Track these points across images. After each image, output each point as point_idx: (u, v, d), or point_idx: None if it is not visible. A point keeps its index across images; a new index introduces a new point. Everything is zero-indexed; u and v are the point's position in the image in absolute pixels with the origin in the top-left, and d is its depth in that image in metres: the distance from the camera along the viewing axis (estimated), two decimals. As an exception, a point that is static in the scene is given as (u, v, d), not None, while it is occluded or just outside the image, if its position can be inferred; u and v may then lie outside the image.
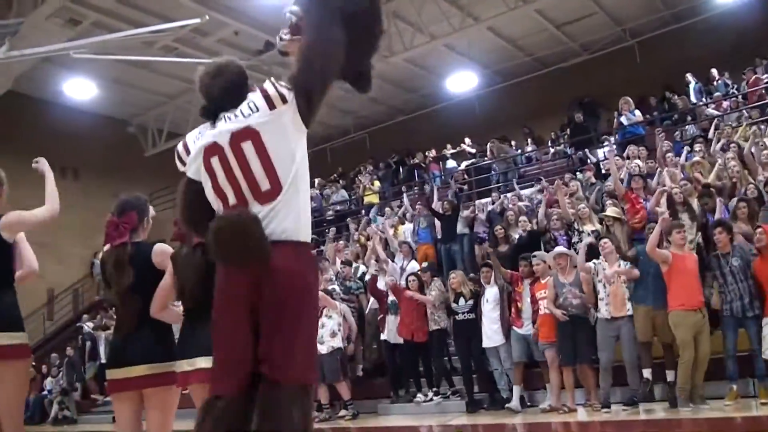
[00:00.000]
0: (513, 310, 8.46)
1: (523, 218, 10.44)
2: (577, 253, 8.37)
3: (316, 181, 18.46)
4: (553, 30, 18.01)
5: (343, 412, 9.54)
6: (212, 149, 2.64)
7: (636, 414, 7.30)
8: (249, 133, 2.59)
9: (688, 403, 6.86)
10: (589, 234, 9.25)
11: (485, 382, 8.94)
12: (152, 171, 20.75)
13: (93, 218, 19.06)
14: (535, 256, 8.38)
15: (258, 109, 2.61)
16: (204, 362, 3.46)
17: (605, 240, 7.91)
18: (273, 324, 2.52)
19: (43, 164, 4.41)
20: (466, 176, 16.79)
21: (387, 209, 14.92)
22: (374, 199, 17.07)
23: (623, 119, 13.27)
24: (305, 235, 2.64)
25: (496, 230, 10.51)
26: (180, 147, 2.86)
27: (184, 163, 2.83)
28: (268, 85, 2.64)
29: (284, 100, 2.61)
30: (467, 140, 18.76)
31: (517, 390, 8.26)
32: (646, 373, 7.37)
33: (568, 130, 16.24)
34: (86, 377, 14.07)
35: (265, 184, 2.57)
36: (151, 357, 3.66)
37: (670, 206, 8.54)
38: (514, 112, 19.48)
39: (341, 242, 13.64)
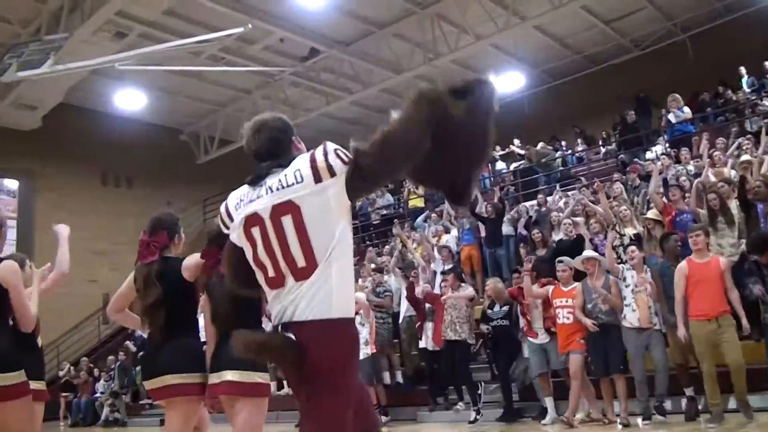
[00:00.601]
0: (525, 322, 8.23)
1: (567, 221, 10.11)
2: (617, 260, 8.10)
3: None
4: (601, 26, 17.58)
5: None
6: (253, 219, 2.58)
7: (680, 425, 6.98)
8: (290, 207, 2.51)
9: (719, 419, 6.49)
10: (631, 238, 9.01)
11: (521, 391, 8.76)
12: (205, 178, 21.18)
13: (146, 225, 19.54)
14: (561, 261, 8.00)
15: (302, 180, 2.51)
16: (230, 375, 3.69)
17: (633, 248, 7.60)
18: (303, 406, 2.55)
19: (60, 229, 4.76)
20: (513, 178, 16.58)
21: (433, 215, 14.79)
22: (419, 202, 16.96)
23: (671, 117, 12.86)
24: (339, 311, 2.50)
25: (534, 234, 10.26)
26: (222, 210, 2.75)
27: (227, 227, 2.74)
28: (318, 154, 2.51)
29: (332, 173, 2.49)
30: (516, 141, 18.45)
31: (549, 402, 8.00)
32: (689, 391, 7.06)
33: (619, 129, 15.82)
34: (136, 381, 14.34)
35: (300, 261, 2.49)
36: (180, 367, 3.79)
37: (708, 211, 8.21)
38: (565, 112, 19.12)
39: (384, 250, 13.62)
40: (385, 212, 17.54)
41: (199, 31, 14.99)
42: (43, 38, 11.35)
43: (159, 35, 15.12)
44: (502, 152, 18.57)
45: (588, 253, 7.96)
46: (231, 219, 2.68)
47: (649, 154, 13.68)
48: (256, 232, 2.57)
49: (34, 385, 4.49)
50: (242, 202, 2.64)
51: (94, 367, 15.32)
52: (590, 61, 19.14)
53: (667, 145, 13.01)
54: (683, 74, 16.53)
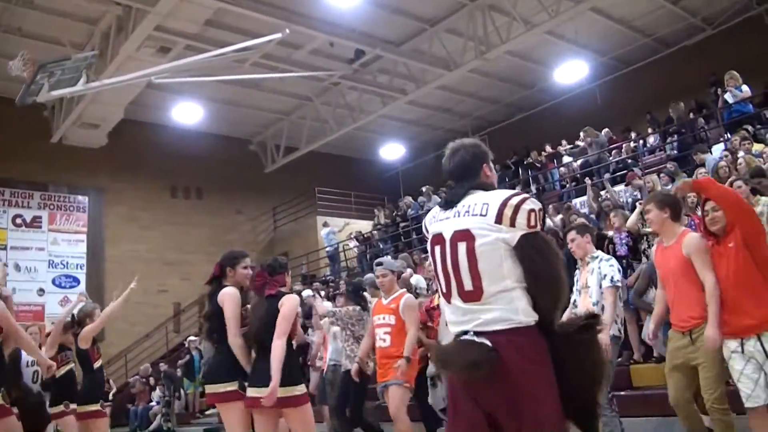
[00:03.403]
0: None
1: (581, 220, 9.22)
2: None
3: (424, 188, 17.98)
4: (669, 6, 16.29)
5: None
6: (438, 239, 2.88)
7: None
8: (466, 236, 2.76)
9: None
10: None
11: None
12: (274, 186, 21.45)
13: (217, 235, 19.98)
14: (380, 264, 6.40)
15: (486, 215, 2.75)
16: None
17: (572, 233, 5.66)
18: (505, 412, 2.71)
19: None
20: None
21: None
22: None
23: (728, 96, 11.63)
24: (524, 318, 2.73)
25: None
26: (423, 227, 3.09)
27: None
28: (512, 201, 2.74)
29: (511, 225, 2.72)
30: (582, 134, 17.42)
31: None
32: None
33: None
34: (188, 390, 14.51)
35: (468, 285, 2.75)
36: (217, 377, 4.64)
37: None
38: (639, 99, 17.88)
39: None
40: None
41: (243, 39, 15.03)
42: (73, 56, 11.67)
43: (203, 47, 15.24)
44: (568, 147, 17.66)
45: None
46: (427, 233, 3.01)
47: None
48: (437, 250, 2.86)
49: None
50: (434, 219, 2.95)
51: (150, 375, 15.63)
52: (661, 44, 17.83)
53: (726, 132, 11.80)
54: (762, 51, 15.01)
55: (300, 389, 4.51)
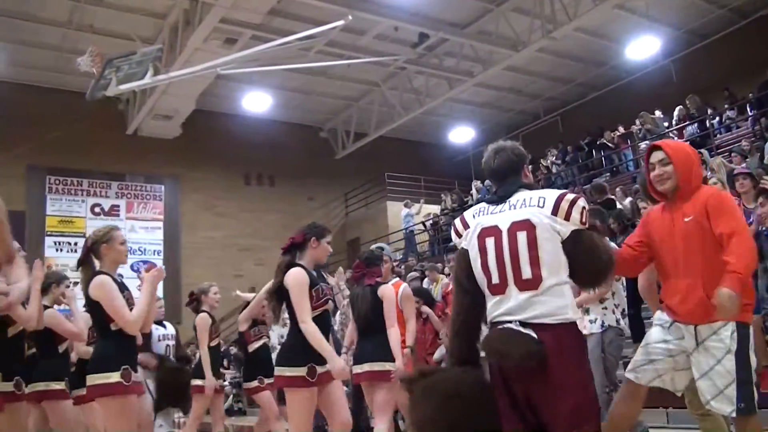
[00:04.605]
0: None
1: (643, 204, 8.87)
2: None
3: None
4: (742, -27, 15.55)
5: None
6: (491, 231, 2.96)
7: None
8: (526, 225, 2.87)
9: None
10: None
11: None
12: (344, 173, 21.64)
13: (290, 221, 20.25)
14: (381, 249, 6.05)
15: (543, 206, 2.88)
16: (369, 366, 4.88)
17: None
18: (543, 404, 2.80)
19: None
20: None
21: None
22: (543, 187, 16.04)
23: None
24: (571, 315, 2.87)
25: (610, 222, 9.14)
26: (457, 221, 3.17)
27: (459, 236, 3.14)
28: (568, 196, 2.91)
29: (566, 218, 2.88)
30: (657, 113, 16.84)
31: None
32: None
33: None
34: (259, 372, 14.86)
35: (527, 274, 2.84)
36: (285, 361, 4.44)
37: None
38: (716, 74, 17.14)
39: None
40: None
41: (308, 28, 15.16)
42: (138, 51, 12.05)
43: (269, 37, 15.43)
44: (641, 126, 17.09)
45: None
46: (465, 228, 3.08)
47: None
48: (490, 242, 2.93)
49: (56, 386, 5.27)
50: (481, 213, 3.04)
51: (222, 358, 16.04)
52: (737, 14, 16.97)
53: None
54: None
55: (391, 366, 4.82)
